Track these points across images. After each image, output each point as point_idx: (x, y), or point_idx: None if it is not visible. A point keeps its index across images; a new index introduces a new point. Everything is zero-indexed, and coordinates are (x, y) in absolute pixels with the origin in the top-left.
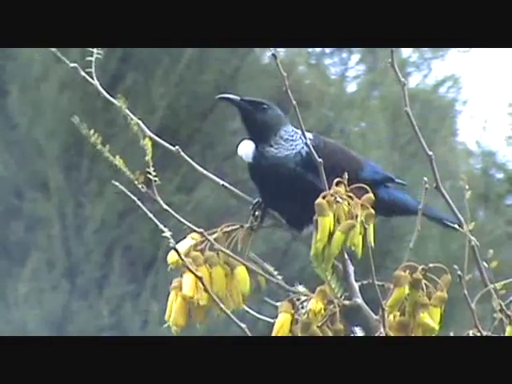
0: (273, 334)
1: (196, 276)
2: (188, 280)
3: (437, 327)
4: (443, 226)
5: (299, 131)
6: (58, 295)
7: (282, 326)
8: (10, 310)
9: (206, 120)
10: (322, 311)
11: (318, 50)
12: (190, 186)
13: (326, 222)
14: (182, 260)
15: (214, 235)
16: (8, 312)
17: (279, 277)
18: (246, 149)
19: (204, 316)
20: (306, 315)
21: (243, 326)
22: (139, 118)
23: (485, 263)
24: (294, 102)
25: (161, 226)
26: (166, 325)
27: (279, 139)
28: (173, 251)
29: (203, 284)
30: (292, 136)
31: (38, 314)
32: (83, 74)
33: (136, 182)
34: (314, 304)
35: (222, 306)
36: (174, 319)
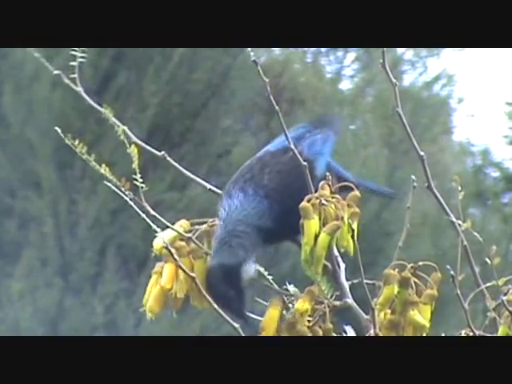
0: (261, 329)
1: (183, 271)
2: (167, 271)
3: (427, 324)
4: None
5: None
6: (52, 293)
7: (269, 320)
8: (3, 307)
9: (199, 118)
10: (309, 311)
11: (313, 48)
12: (181, 184)
13: (311, 225)
14: (171, 253)
15: (203, 226)
16: (1, 310)
17: (269, 277)
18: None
19: (181, 305)
20: (291, 315)
21: (236, 325)
22: (130, 118)
23: (487, 259)
24: (277, 108)
25: (154, 227)
26: (141, 309)
27: None
28: (158, 238)
29: (191, 277)
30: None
31: (31, 312)
32: (67, 81)
33: (123, 189)
34: (301, 304)
35: (215, 305)
36: (150, 306)
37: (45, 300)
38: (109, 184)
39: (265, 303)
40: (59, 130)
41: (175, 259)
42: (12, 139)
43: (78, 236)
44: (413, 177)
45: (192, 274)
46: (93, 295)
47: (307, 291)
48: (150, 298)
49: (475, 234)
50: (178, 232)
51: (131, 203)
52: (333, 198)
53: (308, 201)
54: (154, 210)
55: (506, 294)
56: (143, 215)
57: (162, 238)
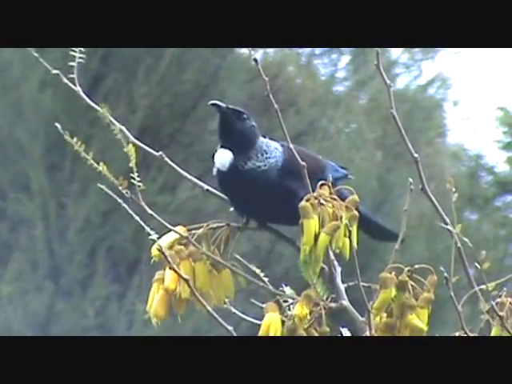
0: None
1: (177, 273)
2: (170, 272)
3: (425, 328)
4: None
5: (271, 142)
6: (42, 296)
7: (268, 326)
8: None
9: (188, 119)
10: (308, 316)
11: (308, 50)
12: (172, 186)
13: (310, 224)
14: (165, 256)
15: (200, 230)
16: None
17: (265, 279)
18: (224, 158)
19: (185, 308)
20: (291, 320)
21: (230, 328)
22: (120, 120)
23: (477, 264)
24: (276, 106)
25: (147, 229)
26: (146, 316)
27: (258, 150)
28: (157, 243)
29: (185, 280)
30: (268, 147)
31: (22, 315)
32: (66, 80)
33: (120, 188)
34: (300, 309)
35: (208, 307)
36: (154, 311)
37: (35, 303)
38: (102, 186)
39: (259, 304)
40: (59, 126)
41: (169, 261)
42: (0, 141)
43: (68, 239)
44: (410, 179)
45: (186, 277)
46: (83, 298)
47: (304, 295)
48: (154, 302)
49: (465, 239)
50: (177, 233)
51: (124, 205)
52: (331, 198)
53: (307, 200)
54: (144, 212)
55: (500, 297)
56: (136, 217)
57: (156, 243)
